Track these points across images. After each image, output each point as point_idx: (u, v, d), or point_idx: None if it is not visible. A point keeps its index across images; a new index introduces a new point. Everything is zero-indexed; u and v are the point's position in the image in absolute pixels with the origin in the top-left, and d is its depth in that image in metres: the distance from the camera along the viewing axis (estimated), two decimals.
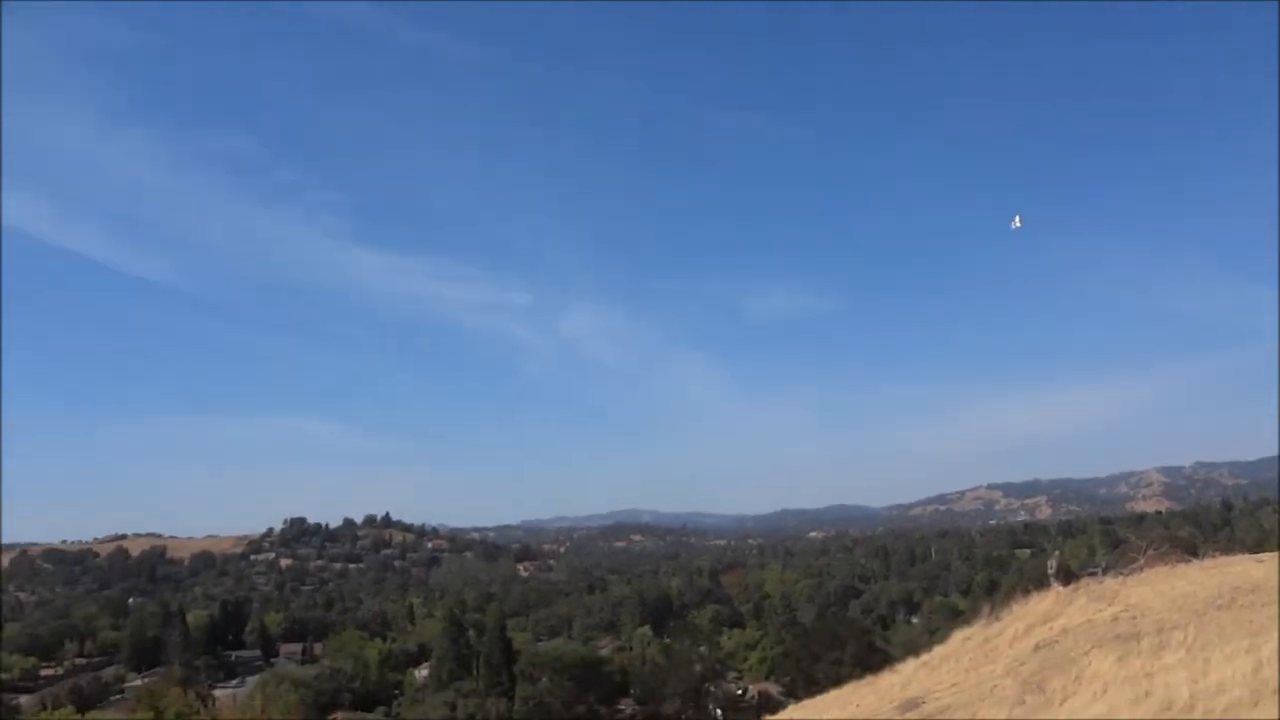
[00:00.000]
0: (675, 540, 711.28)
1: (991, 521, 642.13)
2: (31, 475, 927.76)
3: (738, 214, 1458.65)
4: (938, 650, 35.36)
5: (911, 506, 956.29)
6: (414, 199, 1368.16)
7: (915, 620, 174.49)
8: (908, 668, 34.10)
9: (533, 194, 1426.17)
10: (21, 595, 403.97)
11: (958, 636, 35.95)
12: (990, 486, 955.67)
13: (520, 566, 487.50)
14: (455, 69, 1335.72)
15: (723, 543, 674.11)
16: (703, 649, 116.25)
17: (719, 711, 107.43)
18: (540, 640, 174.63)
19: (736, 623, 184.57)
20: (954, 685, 25.96)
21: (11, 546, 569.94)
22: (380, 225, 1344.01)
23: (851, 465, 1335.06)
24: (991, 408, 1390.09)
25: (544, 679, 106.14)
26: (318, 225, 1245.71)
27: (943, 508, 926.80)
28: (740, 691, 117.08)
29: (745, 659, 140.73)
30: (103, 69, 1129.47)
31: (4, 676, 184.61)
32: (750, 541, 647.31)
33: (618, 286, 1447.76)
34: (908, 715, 23.02)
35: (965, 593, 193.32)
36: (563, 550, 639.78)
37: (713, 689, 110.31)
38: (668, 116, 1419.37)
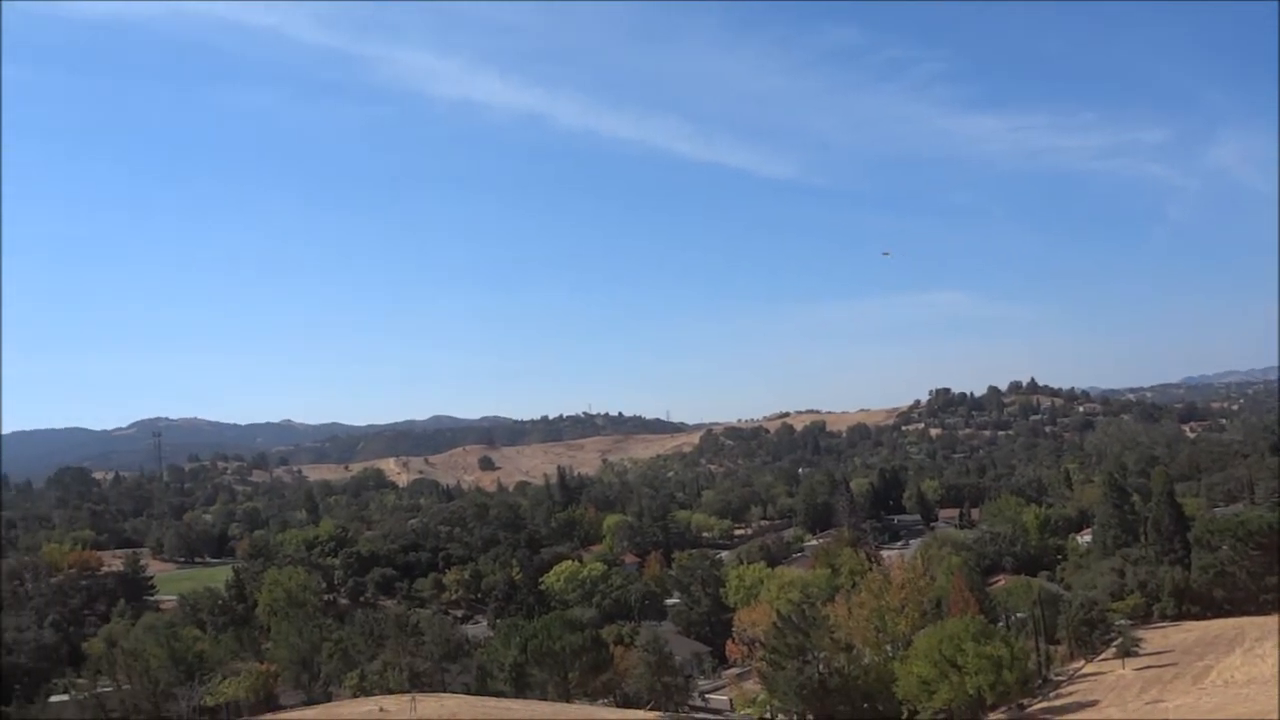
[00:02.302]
0: None
1: None
2: (710, 366, 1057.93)
3: None
4: None
5: None
6: (1018, 56, 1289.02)
7: None
8: None
9: (1153, 20, 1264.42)
10: (712, 467, 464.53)
11: None
12: None
13: (1185, 427, 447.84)
14: None
15: None
16: None
17: None
18: (1215, 506, 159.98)
19: None
20: None
21: (699, 426, 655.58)
22: (988, 87, 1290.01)
23: None
24: None
25: (1224, 547, 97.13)
26: (927, 97, 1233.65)
27: None
28: None
29: None
30: None
31: (706, 535, 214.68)
32: None
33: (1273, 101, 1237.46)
34: None
35: None
36: (1235, 408, 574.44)
37: None
38: None
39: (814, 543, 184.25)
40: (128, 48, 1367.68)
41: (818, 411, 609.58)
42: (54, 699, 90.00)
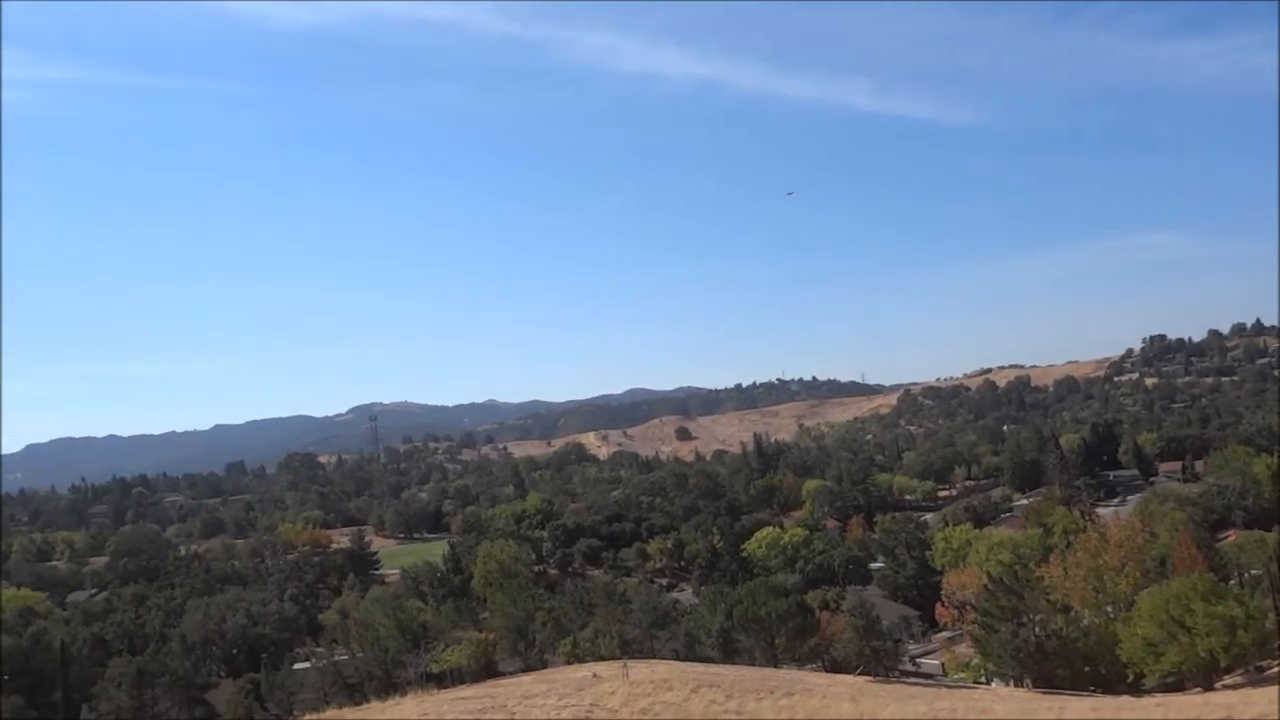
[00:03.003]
0: None
1: None
2: (905, 326, 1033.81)
3: None
4: None
5: None
6: None
7: None
8: None
9: None
10: (911, 428, 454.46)
11: None
12: None
13: None
14: None
15: None
16: None
17: None
18: None
19: None
20: None
21: (896, 387, 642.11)
22: (1189, 9, 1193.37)
23: None
24: None
25: None
26: (1122, 27, 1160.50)
27: None
28: None
29: None
30: None
31: (909, 497, 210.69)
32: None
33: None
34: None
35: None
36: None
37: None
38: None
39: (1023, 502, 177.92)
40: (322, 54, 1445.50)
41: (1021, 366, 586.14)
42: (297, 666, 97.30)
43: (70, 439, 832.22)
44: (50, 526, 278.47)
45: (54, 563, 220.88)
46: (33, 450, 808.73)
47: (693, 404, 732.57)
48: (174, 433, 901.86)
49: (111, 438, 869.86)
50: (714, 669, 63.55)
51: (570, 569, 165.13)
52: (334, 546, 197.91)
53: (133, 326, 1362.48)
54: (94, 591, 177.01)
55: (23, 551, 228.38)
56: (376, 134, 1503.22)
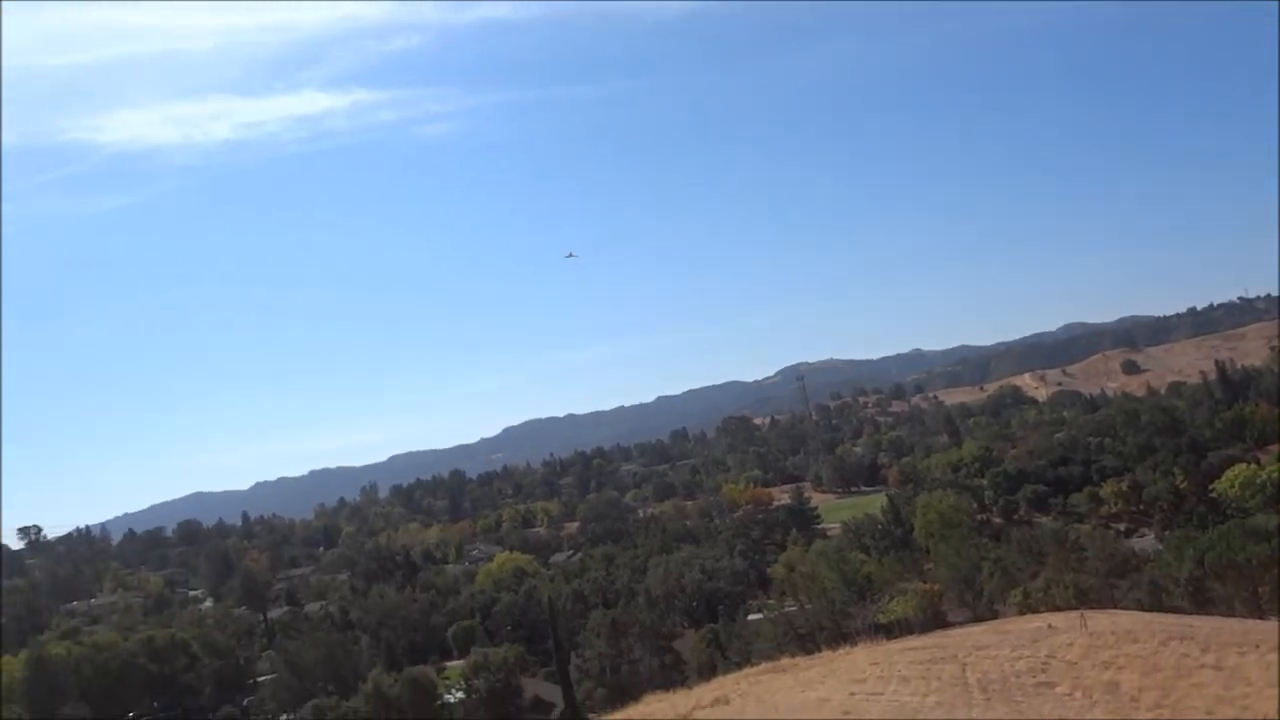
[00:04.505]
0: None
1: None
2: None
3: None
4: None
5: None
6: None
7: None
8: None
9: None
10: None
11: None
12: None
13: None
14: None
15: None
16: None
17: None
18: None
19: None
20: None
21: None
22: None
23: None
24: None
25: None
26: None
27: None
28: None
29: None
30: None
31: None
32: None
33: None
34: None
35: None
36: None
37: None
38: None
39: None
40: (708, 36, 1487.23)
41: None
42: (751, 617, 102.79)
43: (537, 420, 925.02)
44: (529, 498, 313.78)
45: (536, 529, 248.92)
46: (509, 432, 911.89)
47: (1138, 334, 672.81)
48: (622, 407, 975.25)
49: (570, 415, 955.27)
50: (1185, 620, 59.15)
51: (1015, 517, 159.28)
52: (775, 503, 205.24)
53: (581, 314, 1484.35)
54: (570, 553, 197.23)
55: (510, 520, 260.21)
56: (753, 106, 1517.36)
